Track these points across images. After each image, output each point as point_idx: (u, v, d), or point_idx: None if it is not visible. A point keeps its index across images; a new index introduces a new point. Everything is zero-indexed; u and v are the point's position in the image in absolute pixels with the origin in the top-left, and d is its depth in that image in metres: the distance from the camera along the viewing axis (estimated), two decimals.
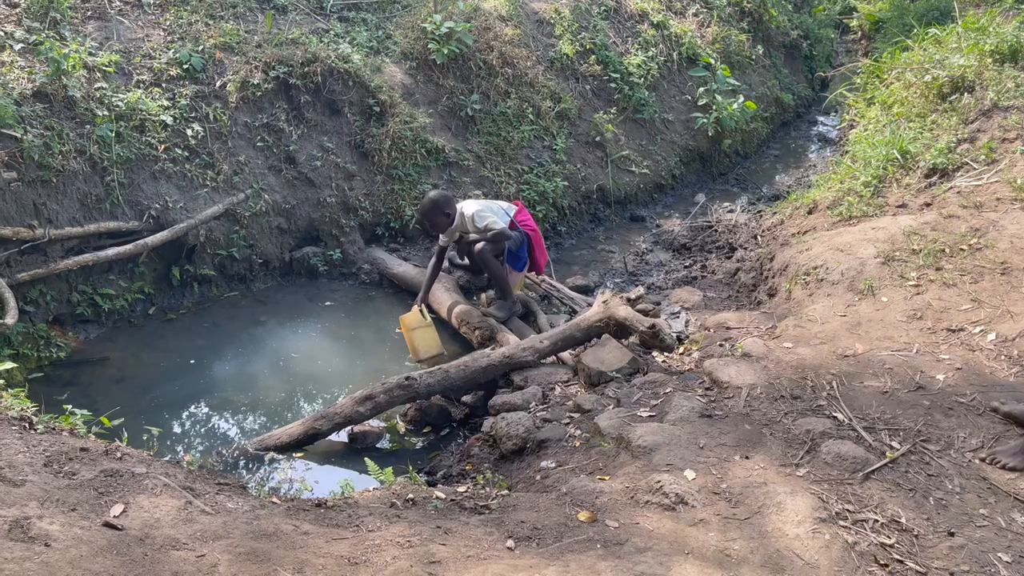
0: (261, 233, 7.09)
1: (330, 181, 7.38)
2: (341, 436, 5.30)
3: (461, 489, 3.71)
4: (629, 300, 5.39)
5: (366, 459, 4.51)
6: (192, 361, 6.18)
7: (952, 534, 3.26)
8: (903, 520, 3.33)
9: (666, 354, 5.35)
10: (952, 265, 5.42)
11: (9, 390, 3.39)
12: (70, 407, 3.50)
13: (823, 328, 5.07)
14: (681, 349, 5.37)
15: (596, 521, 3.31)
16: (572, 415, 4.73)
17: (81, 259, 6.07)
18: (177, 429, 5.48)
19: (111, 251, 6.23)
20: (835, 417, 4.16)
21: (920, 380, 4.36)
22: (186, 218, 6.64)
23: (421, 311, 6.20)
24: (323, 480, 4.99)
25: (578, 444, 4.37)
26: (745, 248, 7.61)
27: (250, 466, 5.06)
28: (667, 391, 4.68)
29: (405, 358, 6.29)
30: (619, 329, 5.31)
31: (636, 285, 7.41)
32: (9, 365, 3.69)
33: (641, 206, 9.07)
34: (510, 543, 3.06)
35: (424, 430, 5.48)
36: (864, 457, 3.78)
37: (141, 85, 6.81)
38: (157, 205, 6.53)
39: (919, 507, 3.43)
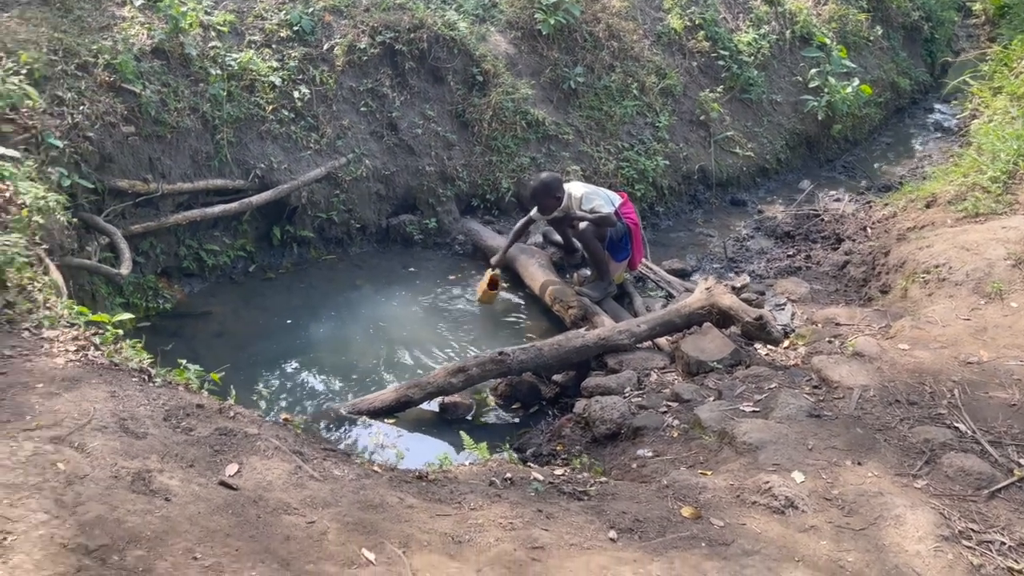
0: (360, 198, 7.14)
1: (429, 150, 7.36)
2: (431, 406, 5.33)
3: (558, 472, 3.65)
4: (734, 288, 5.20)
5: (461, 433, 4.49)
6: (288, 321, 6.28)
7: None
8: None
9: (769, 347, 5.15)
10: None
11: (127, 340, 3.48)
12: (184, 362, 3.57)
13: (944, 331, 4.78)
14: (786, 343, 5.15)
15: (700, 518, 3.20)
16: (669, 404, 4.61)
17: (190, 214, 6.22)
18: (274, 387, 5.58)
19: (217, 208, 6.37)
20: (956, 428, 3.92)
21: None
22: (289, 179, 6.72)
23: (492, 275, 6.17)
24: (414, 448, 5.02)
25: (676, 435, 4.25)
26: (853, 240, 7.26)
27: (344, 429, 5.12)
28: (772, 386, 4.49)
29: (496, 331, 6.27)
30: (722, 318, 5.13)
31: (735, 272, 7.17)
32: (126, 316, 3.79)
33: (743, 190, 8.77)
34: (612, 534, 2.99)
35: (513, 406, 5.45)
36: (990, 473, 3.54)
37: (253, 45, 6.90)
38: (262, 165, 6.63)
39: None
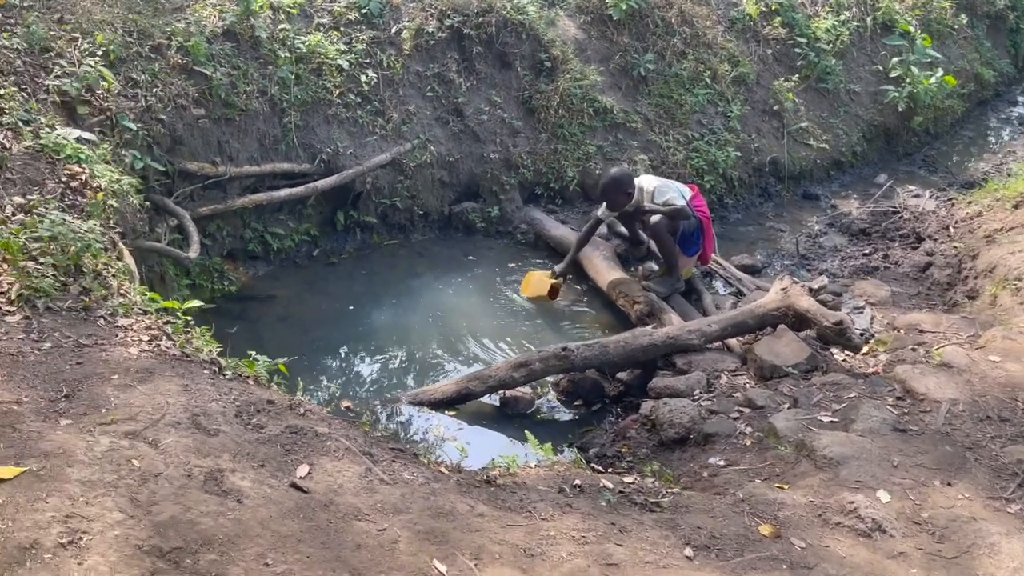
0: (424, 185, 7.07)
1: (495, 136, 7.25)
2: (492, 399, 5.25)
3: (628, 480, 3.53)
4: (811, 290, 4.98)
5: (525, 432, 4.40)
6: (351, 307, 6.26)
7: None
8: None
9: (847, 353, 4.93)
10: None
11: (197, 329, 3.47)
12: (254, 354, 3.55)
13: None
14: (865, 349, 4.93)
15: (780, 537, 3.05)
16: (742, 409, 4.44)
17: (256, 198, 6.24)
18: (335, 374, 5.57)
19: (283, 192, 6.37)
20: None
21: None
22: (354, 164, 6.69)
23: (554, 284, 6.03)
24: (475, 442, 4.94)
25: (749, 443, 4.10)
26: (935, 239, 6.93)
27: (405, 419, 5.08)
28: (851, 396, 4.29)
29: (556, 323, 6.16)
30: (797, 321, 4.93)
31: (807, 269, 6.93)
32: (195, 303, 3.78)
33: (816, 183, 8.45)
34: (688, 551, 2.86)
35: (575, 403, 5.33)
36: None
37: (321, 28, 6.86)
38: (328, 149, 6.61)
39: None
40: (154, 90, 5.59)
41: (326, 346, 5.82)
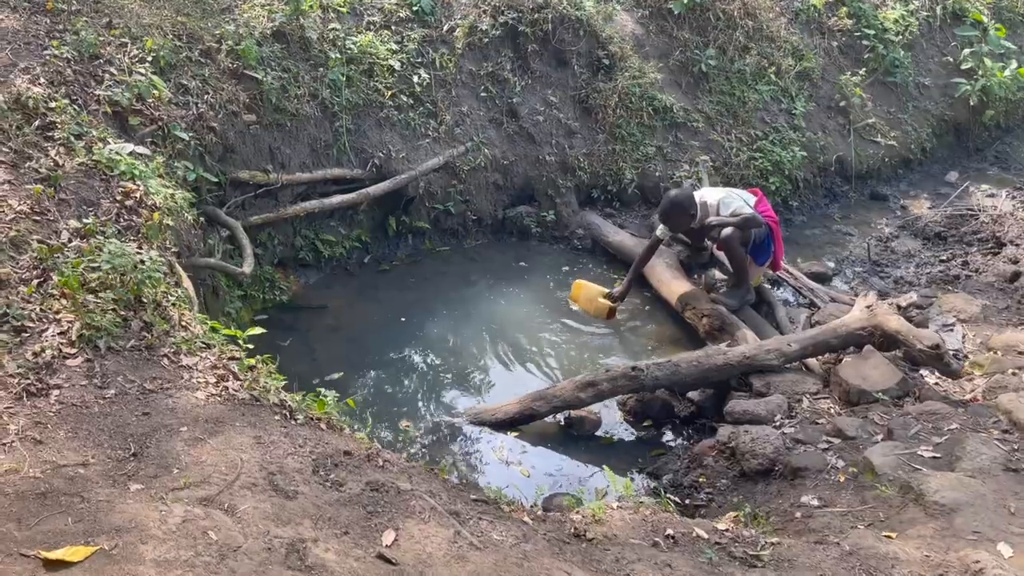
0: (477, 189, 6.84)
1: (550, 138, 6.98)
2: (556, 418, 5.02)
3: (721, 527, 3.27)
4: (899, 307, 4.66)
5: (604, 468, 4.17)
6: (403, 319, 6.03)
7: None
8: None
9: (938, 375, 4.61)
10: None
11: (263, 363, 3.27)
12: (323, 392, 3.34)
13: None
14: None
15: None
16: (831, 440, 4.16)
17: (308, 205, 6.05)
18: (390, 389, 5.36)
19: (336, 199, 6.17)
20: None
21: None
22: (407, 169, 6.47)
23: (613, 311, 5.76)
24: (539, 466, 4.74)
25: (843, 479, 3.81)
26: (1017, 245, 6.54)
27: (466, 440, 4.88)
28: (952, 428, 3.99)
29: (619, 337, 5.90)
30: (886, 341, 4.61)
31: (880, 276, 6.58)
32: (258, 331, 3.58)
33: (883, 182, 8.07)
34: None
35: (644, 423, 5.08)
36: None
37: (372, 27, 6.63)
38: (380, 154, 6.39)
39: None
40: (205, 97, 5.40)
41: (379, 359, 5.63)
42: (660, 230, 5.77)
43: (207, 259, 4.65)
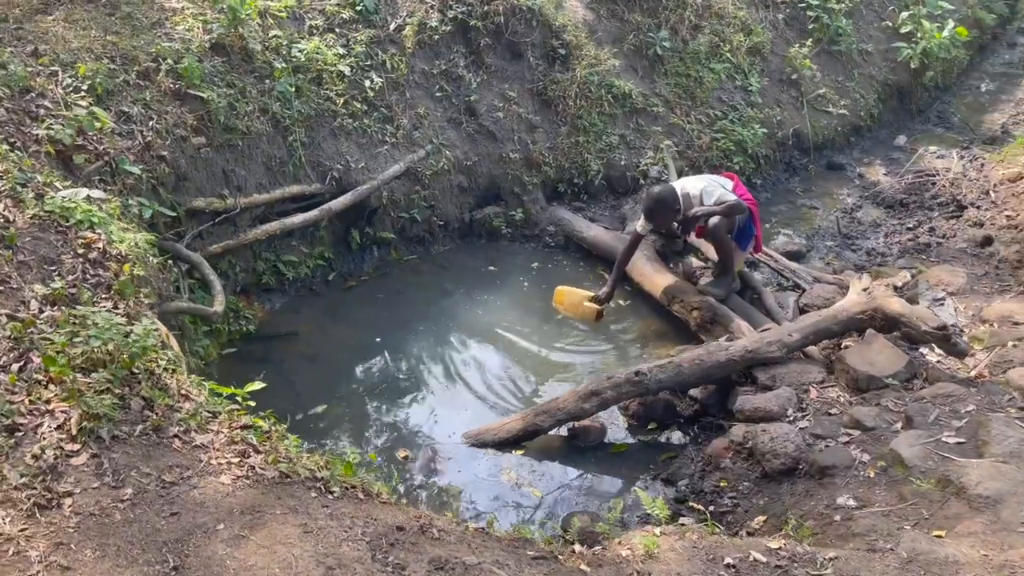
0: (442, 193, 6.57)
1: (512, 134, 6.75)
2: (560, 430, 4.87)
3: (773, 546, 3.16)
4: (896, 288, 4.64)
5: (636, 490, 4.03)
6: (378, 339, 5.75)
7: None
8: None
9: (939, 352, 4.61)
10: None
11: (289, 438, 2.97)
12: (348, 455, 3.07)
13: None
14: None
15: None
16: (850, 432, 4.11)
17: (269, 227, 5.69)
18: (380, 418, 5.10)
19: (298, 218, 5.83)
20: None
21: None
22: (368, 179, 6.15)
23: (601, 313, 5.65)
24: (551, 485, 4.58)
25: (872, 474, 3.76)
26: (978, 207, 6.65)
27: (470, 464, 4.68)
28: (968, 409, 3.98)
29: (606, 335, 5.77)
30: (887, 324, 4.58)
31: (852, 249, 6.61)
32: (258, 385, 3.29)
33: (838, 152, 8.12)
34: None
35: (648, 427, 4.97)
36: None
37: (315, 31, 6.25)
38: (339, 166, 6.06)
39: None
40: (150, 123, 4.99)
41: (361, 386, 5.36)
42: (640, 226, 5.63)
43: (178, 303, 4.29)
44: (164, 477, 2.45)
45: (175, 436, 2.64)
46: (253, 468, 2.59)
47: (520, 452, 4.76)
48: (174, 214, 4.94)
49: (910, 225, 6.70)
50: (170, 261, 4.87)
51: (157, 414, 2.70)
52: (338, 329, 5.89)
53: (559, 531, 4.04)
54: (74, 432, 2.47)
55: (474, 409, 5.16)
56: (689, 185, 5.48)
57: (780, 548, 3.17)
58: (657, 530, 3.40)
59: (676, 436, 4.92)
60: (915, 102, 9.00)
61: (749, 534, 3.88)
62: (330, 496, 2.60)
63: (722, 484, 4.28)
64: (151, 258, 4.12)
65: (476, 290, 6.33)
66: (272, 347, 5.64)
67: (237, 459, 2.62)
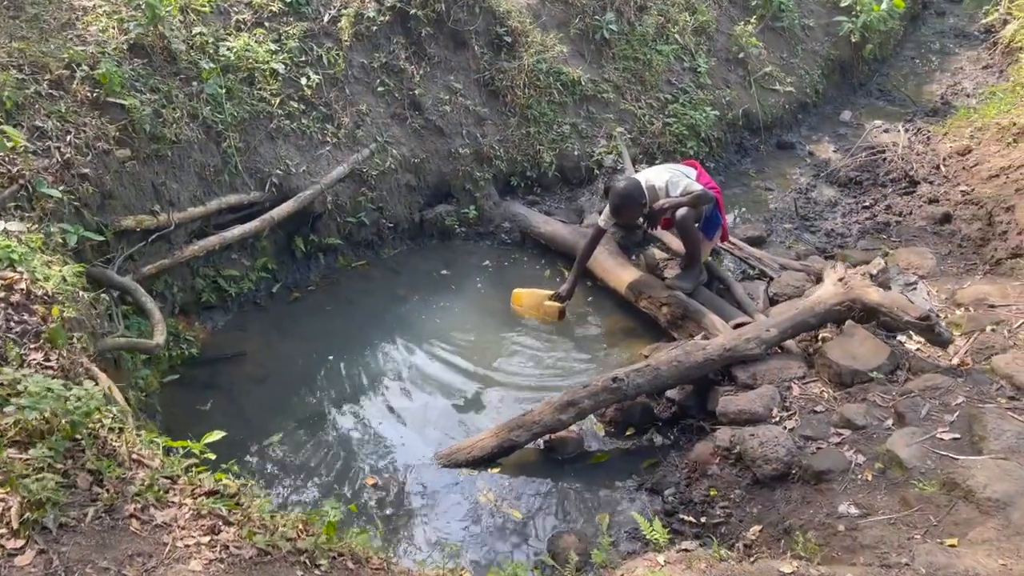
0: (390, 193, 6.22)
1: (460, 128, 6.42)
2: (536, 443, 4.64)
3: (787, 570, 3.00)
4: (871, 276, 4.53)
5: (634, 515, 3.82)
6: (331, 356, 5.37)
7: None
8: None
9: (917, 340, 4.53)
10: None
11: (259, 497, 2.64)
12: (329, 510, 2.74)
13: None
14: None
15: None
16: (840, 431, 3.98)
17: (207, 243, 5.26)
18: (342, 444, 4.74)
19: (237, 230, 5.41)
20: None
21: None
22: (310, 183, 5.76)
23: (563, 311, 5.45)
24: (529, 502, 4.35)
25: (870, 477, 3.64)
26: (931, 182, 6.64)
27: (443, 487, 4.40)
28: (958, 401, 3.89)
29: (571, 336, 5.55)
30: (866, 315, 4.48)
31: (811, 231, 6.53)
32: (216, 435, 2.94)
33: (786, 130, 8.05)
34: None
35: (627, 432, 4.78)
36: None
37: (243, 27, 5.79)
38: (278, 171, 5.65)
39: None
40: (67, 137, 4.49)
41: (318, 408, 5.00)
42: (603, 220, 5.41)
43: (115, 339, 3.87)
44: (124, 572, 2.11)
45: (132, 516, 2.29)
46: (226, 547, 2.26)
47: (496, 470, 4.52)
48: (102, 237, 4.48)
49: (866, 204, 6.66)
50: (96, 286, 4.43)
51: (108, 490, 2.34)
52: (287, 345, 5.51)
53: (547, 558, 3.83)
54: (15, 526, 2.10)
55: (442, 426, 4.88)
56: (653, 176, 5.28)
57: (793, 572, 3.01)
58: (660, 558, 3.20)
59: (656, 440, 4.74)
60: (857, 76, 9.00)
61: (747, 547, 3.74)
62: (317, 572, 2.30)
63: (712, 493, 4.11)
64: (82, 293, 3.69)
65: (432, 295, 6.01)
66: (218, 371, 5.23)
67: (207, 538, 2.28)
